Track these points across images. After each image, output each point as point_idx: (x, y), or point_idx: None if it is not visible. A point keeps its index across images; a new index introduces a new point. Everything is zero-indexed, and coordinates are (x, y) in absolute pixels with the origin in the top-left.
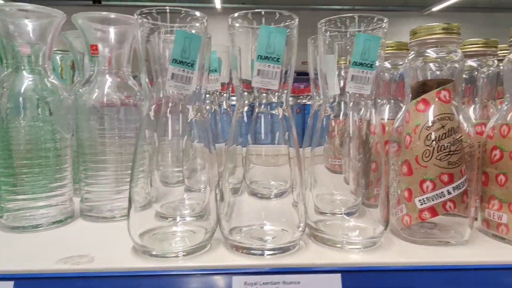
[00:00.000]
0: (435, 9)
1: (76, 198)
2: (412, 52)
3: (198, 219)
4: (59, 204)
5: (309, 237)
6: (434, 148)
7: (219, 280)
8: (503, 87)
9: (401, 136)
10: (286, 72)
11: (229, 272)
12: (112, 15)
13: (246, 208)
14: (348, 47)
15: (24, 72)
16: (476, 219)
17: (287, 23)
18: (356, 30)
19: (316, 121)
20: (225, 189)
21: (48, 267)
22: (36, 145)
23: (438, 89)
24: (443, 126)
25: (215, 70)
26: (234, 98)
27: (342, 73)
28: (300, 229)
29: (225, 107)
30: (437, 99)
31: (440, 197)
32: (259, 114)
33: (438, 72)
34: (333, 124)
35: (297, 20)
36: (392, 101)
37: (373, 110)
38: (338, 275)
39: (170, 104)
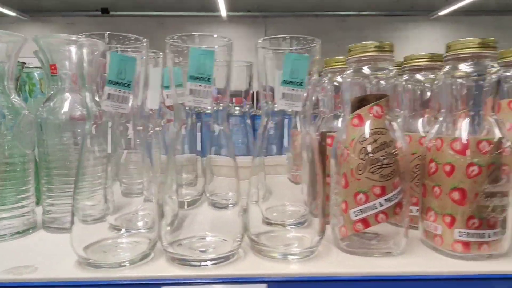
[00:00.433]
0: (441, 13)
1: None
2: (349, 69)
3: (145, 230)
4: (22, 215)
5: (252, 248)
6: (367, 161)
7: None
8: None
9: (340, 150)
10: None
11: (158, 282)
12: (70, 38)
13: (192, 220)
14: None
15: None
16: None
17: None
18: (289, 49)
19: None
20: (166, 201)
21: None
22: (1, 159)
23: (370, 105)
24: (375, 140)
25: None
26: None
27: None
28: (238, 239)
29: None
30: (370, 114)
31: (372, 209)
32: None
33: (373, 88)
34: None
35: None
36: None
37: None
38: (264, 285)
39: (110, 121)
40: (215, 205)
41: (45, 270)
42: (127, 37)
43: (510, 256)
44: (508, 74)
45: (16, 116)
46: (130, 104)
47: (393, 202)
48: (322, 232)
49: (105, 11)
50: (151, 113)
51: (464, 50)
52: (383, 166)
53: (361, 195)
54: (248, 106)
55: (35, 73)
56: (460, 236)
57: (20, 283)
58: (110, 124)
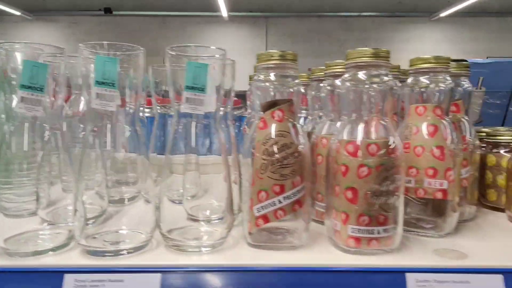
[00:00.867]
0: (443, 14)
1: None
2: (257, 75)
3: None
4: None
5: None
6: (268, 161)
7: (51, 277)
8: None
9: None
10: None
11: (61, 270)
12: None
13: (123, 215)
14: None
15: None
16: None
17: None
18: (195, 56)
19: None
20: (93, 197)
21: None
22: None
23: (272, 109)
24: (276, 142)
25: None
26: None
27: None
28: (149, 233)
29: None
30: (272, 118)
31: (272, 206)
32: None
33: (277, 93)
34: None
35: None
36: None
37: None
38: (159, 275)
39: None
40: (148, 201)
41: None
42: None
43: (399, 252)
44: (411, 81)
45: None
46: (45, 106)
47: (291, 200)
48: (229, 226)
49: (108, 10)
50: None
51: (360, 59)
52: (283, 166)
53: (263, 193)
54: (229, 106)
55: None
56: (352, 232)
57: None
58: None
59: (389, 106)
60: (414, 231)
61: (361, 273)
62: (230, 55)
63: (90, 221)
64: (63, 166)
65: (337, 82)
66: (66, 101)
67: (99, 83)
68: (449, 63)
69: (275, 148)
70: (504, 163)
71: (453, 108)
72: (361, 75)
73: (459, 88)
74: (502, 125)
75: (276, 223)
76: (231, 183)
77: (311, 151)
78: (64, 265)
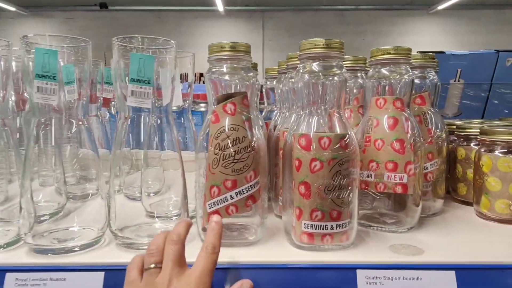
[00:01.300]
0: (441, 7)
1: None
2: (210, 67)
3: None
4: None
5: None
6: (220, 156)
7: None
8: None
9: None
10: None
11: (3, 269)
12: None
13: (82, 211)
14: None
15: None
16: None
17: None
18: (142, 47)
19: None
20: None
21: None
22: None
23: (224, 103)
24: (228, 136)
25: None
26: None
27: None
28: (100, 230)
29: None
30: (224, 111)
31: (224, 202)
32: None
33: (231, 86)
34: None
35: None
36: None
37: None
38: (102, 273)
39: None
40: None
41: None
42: None
43: (354, 248)
44: (372, 72)
45: None
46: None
47: (244, 195)
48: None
49: (103, 5)
50: None
51: (312, 50)
52: (235, 160)
53: (214, 189)
54: (187, 100)
55: None
56: (305, 227)
57: None
58: None
59: (344, 98)
60: (376, 227)
61: (312, 269)
62: None
63: (47, 218)
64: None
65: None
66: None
67: (39, 76)
68: (410, 54)
69: (227, 142)
70: (473, 156)
71: (418, 100)
72: (314, 66)
73: (426, 80)
74: (482, 118)
75: (231, 219)
76: (185, 180)
77: (275, 145)
78: (7, 263)
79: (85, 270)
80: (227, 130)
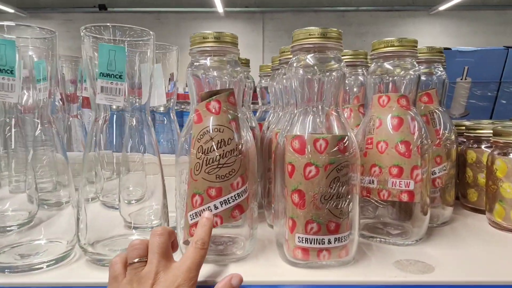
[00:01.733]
0: (442, 8)
1: None
2: (192, 60)
3: None
4: None
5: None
6: (203, 160)
7: None
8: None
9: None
10: None
11: None
12: None
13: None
14: None
15: None
16: None
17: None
18: (118, 39)
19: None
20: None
21: None
22: None
23: (207, 100)
24: (212, 138)
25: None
26: None
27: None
28: (70, 243)
29: None
30: (207, 110)
31: None
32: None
33: (216, 82)
34: None
35: None
36: None
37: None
38: None
39: None
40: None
41: None
42: None
43: (354, 265)
44: (374, 67)
45: None
46: None
47: (230, 205)
48: None
49: (102, 7)
50: None
51: (306, 40)
52: (220, 165)
53: (197, 197)
54: (172, 100)
55: None
56: (299, 241)
57: None
58: None
59: (343, 95)
60: (379, 238)
61: None
62: None
63: (14, 229)
64: None
65: None
66: None
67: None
68: (416, 46)
69: (210, 145)
70: (485, 159)
71: (425, 98)
72: (309, 59)
73: (433, 76)
74: (491, 118)
75: (217, 230)
76: (165, 186)
77: (268, 147)
78: None
79: None
80: (211, 131)
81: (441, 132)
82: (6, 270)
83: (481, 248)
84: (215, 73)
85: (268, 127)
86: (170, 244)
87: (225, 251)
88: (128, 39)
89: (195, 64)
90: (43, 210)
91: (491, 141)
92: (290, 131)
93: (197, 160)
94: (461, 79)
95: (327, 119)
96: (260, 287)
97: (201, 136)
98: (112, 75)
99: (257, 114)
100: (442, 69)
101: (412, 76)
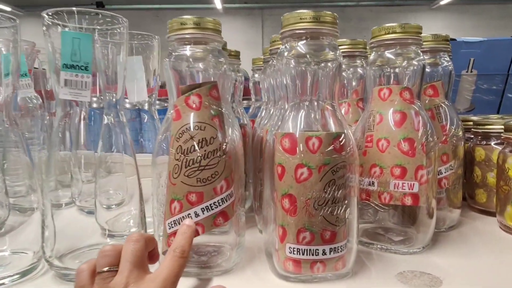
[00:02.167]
0: (443, 2)
1: None
2: (170, 50)
3: None
4: None
5: None
6: (182, 162)
7: None
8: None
9: None
10: None
11: None
12: None
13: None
14: None
15: None
16: None
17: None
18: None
19: None
20: None
21: None
22: None
23: (186, 95)
24: (192, 137)
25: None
26: None
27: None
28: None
29: None
30: (187, 105)
31: None
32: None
33: (199, 74)
34: None
35: None
36: None
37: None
38: None
39: None
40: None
41: None
42: None
43: (352, 278)
44: (374, 57)
45: None
46: None
47: (213, 212)
48: None
49: (100, 4)
50: None
51: (297, 25)
52: (201, 167)
53: (175, 203)
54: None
55: None
56: (290, 252)
57: None
58: None
59: (339, 88)
60: (380, 246)
61: None
62: None
63: None
64: None
65: None
66: None
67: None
68: (420, 32)
69: (191, 145)
70: (495, 157)
71: (430, 91)
72: (300, 47)
73: (439, 67)
74: (498, 113)
75: (199, 239)
76: (142, 190)
77: (259, 146)
78: None
79: None
80: (191, 129)
81: (447, 128)
82: None
83: (493, 256)
84: (196, 64)
85: (259, 124)
86: (147, 253)
87: (209, 263)
88: (97, 27)
89: (173, 54)
90: (15, 215)
91: (502, 137)
92: (280, 128)
93: (175, 161)
94: (467, 72)
95: (322, 114)
96: None
97: (180, 135)
98: (77, 67)
99: (250, 110)
100: (448, 59)
101: (416, 67)
